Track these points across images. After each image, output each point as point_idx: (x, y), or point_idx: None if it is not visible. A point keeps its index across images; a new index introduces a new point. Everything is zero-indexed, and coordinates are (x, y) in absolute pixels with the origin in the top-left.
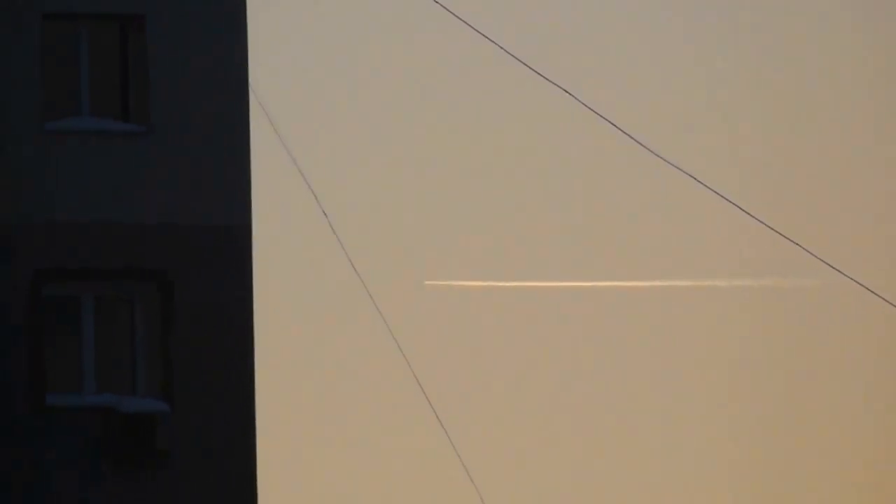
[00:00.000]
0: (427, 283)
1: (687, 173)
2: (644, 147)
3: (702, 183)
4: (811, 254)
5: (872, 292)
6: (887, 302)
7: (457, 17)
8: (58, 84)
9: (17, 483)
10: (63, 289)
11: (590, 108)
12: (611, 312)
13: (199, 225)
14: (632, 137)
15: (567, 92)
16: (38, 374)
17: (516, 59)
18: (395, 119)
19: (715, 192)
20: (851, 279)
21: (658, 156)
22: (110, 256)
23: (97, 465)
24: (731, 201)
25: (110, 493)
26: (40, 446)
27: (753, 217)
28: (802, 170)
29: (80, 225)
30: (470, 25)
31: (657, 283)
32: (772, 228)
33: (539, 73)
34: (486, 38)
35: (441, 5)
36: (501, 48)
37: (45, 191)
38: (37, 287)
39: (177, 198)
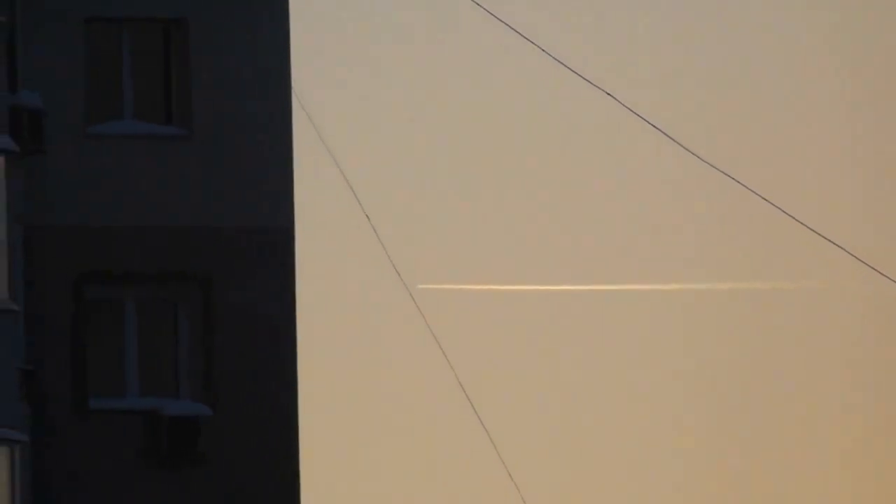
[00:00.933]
0: (470, 286)
1: (725, 173)
2: (690, 151)
3: (736, 180)
4: (859, 259)
5: None
6: None
7: (498, 18)
8: (100, 88)
9: (60, 487)
10: (106, 292)
11: (630, 109)
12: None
13: (242, 227)
14: (661, 133)
15: (609, 94)
16: (82, 378)
17: (559, 61)
18: (438, 121)
19: (760, 195)
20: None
21: (697, 156)
22: (153, 260)
23: (140, 469)
24: (770, 202)
25: (153, 496)
26: (84, 450)
27: (800, 222)
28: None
29: (123, 228)
30: (510, 27)
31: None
32: (814, 231)
33: (580, 75)
34: (529, 40)
35: (483, 8)
36: (545, 51)
37: (88, 194)
38: (80, 291)
39: (219, 200)
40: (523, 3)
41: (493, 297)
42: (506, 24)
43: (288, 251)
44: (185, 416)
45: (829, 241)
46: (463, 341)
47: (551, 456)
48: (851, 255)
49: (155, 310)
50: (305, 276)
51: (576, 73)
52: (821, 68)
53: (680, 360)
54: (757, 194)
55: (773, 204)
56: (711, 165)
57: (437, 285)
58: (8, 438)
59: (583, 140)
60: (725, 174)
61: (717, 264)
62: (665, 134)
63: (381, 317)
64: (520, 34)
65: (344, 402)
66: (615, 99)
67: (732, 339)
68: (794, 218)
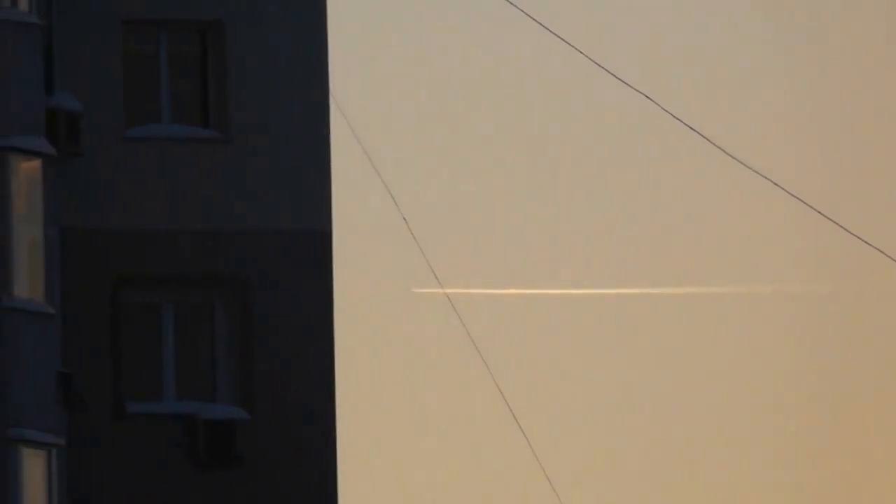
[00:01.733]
0: (510, 290)
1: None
2: (732, 157)
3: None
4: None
5: None
6: None
7: (538, 22)
8: (138, 90)
9: (97, 491)
10: (143, 295)
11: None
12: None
13: (279, 230)
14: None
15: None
16: (119, 382)
17: (598, 63)
18: (476, 123)
19: (800, 198)
20: None
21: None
22: (190, 262)
23: (177, 473)
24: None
25: (190, 500)
26: (120, 454)
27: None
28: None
29: (160, 231)
30: (550, 30)
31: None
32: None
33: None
34: (567, 42)
35: (523, 11)
36: (583, 53)
37: (125, 197)
38: (117, 294)
39: (257, 203)
40: (562, 5)
41: (529, 301)
42: (545, 27)
43: (325, 253)
44: (223, 419)
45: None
46: (500, 344)
47: (589, 466)
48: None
49: (192, 313)
50: (342, 278)
51: (615, 75)
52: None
53: (701, 363)
54: (805, 203)
55: (824, 215)
56: (758, 172)
57: (471, 290)
58: (45, 442)
59: (620, 143)
60: (767, 178)
61: (753, 267)
62: (703, 136)
63: (418, 319)
64: (558, 36)
65: (381, 405)
66: (655, 103)
67: (768, 341)
68: (837, 223)
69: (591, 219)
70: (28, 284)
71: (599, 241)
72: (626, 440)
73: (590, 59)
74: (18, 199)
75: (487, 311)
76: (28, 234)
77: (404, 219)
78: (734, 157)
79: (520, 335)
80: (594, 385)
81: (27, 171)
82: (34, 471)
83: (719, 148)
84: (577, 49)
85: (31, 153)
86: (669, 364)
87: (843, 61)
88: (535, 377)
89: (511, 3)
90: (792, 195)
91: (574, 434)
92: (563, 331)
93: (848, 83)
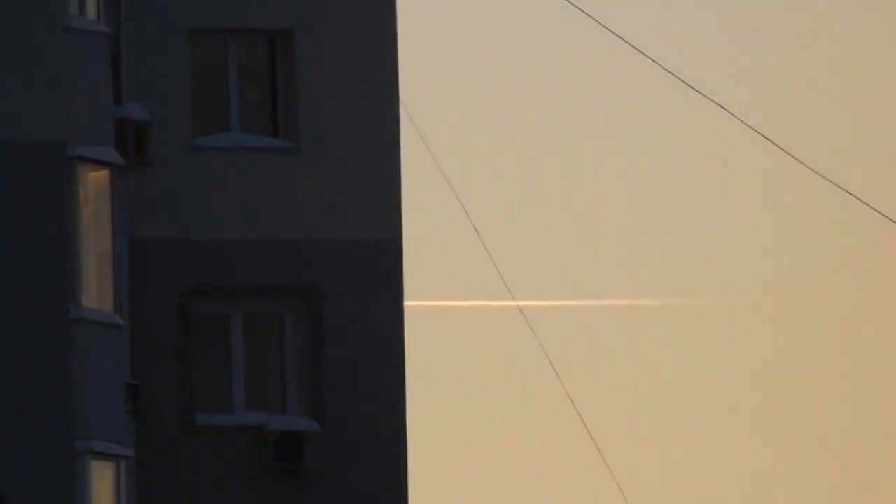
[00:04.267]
0: (576, 301)
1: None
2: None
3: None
4: None
5: None
6: None
7: (610, 30)
8: (206, 99)
9: (166, 503)
10: (212, 306)
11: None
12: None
13: (350, 240)
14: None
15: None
16: (188, 393)
17: (671, 72)
18: (548, 131)
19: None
20: None
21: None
22: (260, 273)
23: (247, 485)
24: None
25: None
26: (190, 466)
27: None
28: None
29: (229, 241)
30: (621, 37)
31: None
32: None
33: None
34: (639, 50)
35: (597, 21)
36: (656, 62)
37: (194, 207)
38: (186, 304)
39: (326, 213)
40: (632, 14)
41: (600, 313)
42: (616, 34)
43: (395, 263)
44: (293, 431)
45: None
46: (572, 357)
47: (663, 481)
48: None
49: (261, 323)
50: (413, 288)
51: (689, 84)
52: None
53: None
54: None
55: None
56: (834, 184)
57: (542, 302)
58: (113, 454)
59: (693, 156)
60: (844, 189)
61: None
62: (777, 145)
63: (489, 330)
64: (629, 44)
65: (452, 416)
66: (727, 111)
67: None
68: None
69: (663, 229)
70: (97, 295)
71: (670, 251)
72: (699, 451)
73: (674, 75)
74: (87, 210)
75: (558, 322)
76: (96, 245)
77: (475, 229)
78: (820, 173)
79: (592, 347)
80: (668, 396)
81: (95, 182)
82: (103, 483)
83: (798, 160)
84: (649, 57)
85: (99, 163)
86: (742, 374)
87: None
88: (608, 389)
89: (587, 14)
90: None
91: (647, 446)
92: (637, 342)
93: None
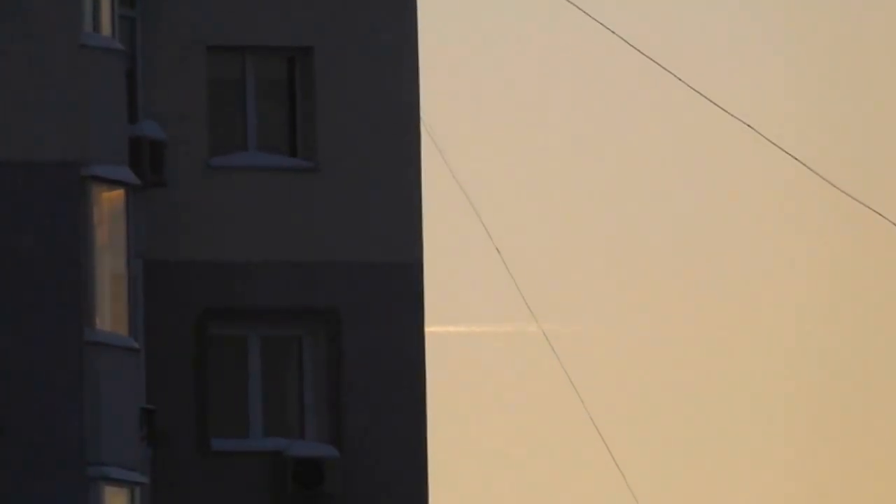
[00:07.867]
0: (599, 324)
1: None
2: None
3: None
4: None
5: None
6: None
7: (637, 49)
8: (224, 118)
9: None
10: (229, 328)
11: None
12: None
13: (369, 262)
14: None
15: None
16: (204, 418)
17: (697, 90)
18: (571, 151)
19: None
20: None
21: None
22: (278, 295)
23: None
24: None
25: None
26: (206, 492)
27: None
28: None
29: (246, 263)
30: (647, 56)
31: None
32: None
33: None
34: (666, 69)
35: (621, 38)
36: (682, 80)
37: (211, 228)
38: (202, 327)
39: (346, 235)
40: (660, 32)
41: (621, 334)
42: (642, 52)
43: (416, 286)
44: (311, 456)
45: None
46: (594, 379)
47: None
48: None
49: (279, 346)
50: (434, 311)
51: (715, 103)
52: None
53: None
54: None
55: None
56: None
57: (566, 327)
58: (128, 480)
59: (718, 171)
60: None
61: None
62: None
63: (512, 352)
64: (657, 63)
65: (473, 441)
66: (756, 131)
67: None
68: None
69: (685, 251)
70: (111, 317)
71: (696, 270)
72: (725, 476)
73: (690, 86)
74: (101, 230)
75: (581, 346)
76: (111, 266)
77: (497, 249)
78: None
79: (614, 371)
80: (695, 421)
81: (110, 201)
82: None
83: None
84: (676, 76)
85: (114, 182)
86: (765, 390)
87: None
88: (633, 414)
89: (611, 31)
90: None
91: (673, 472)
92: (659, 365)
93: None
